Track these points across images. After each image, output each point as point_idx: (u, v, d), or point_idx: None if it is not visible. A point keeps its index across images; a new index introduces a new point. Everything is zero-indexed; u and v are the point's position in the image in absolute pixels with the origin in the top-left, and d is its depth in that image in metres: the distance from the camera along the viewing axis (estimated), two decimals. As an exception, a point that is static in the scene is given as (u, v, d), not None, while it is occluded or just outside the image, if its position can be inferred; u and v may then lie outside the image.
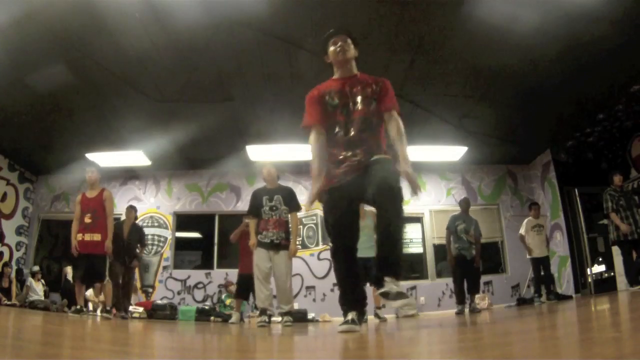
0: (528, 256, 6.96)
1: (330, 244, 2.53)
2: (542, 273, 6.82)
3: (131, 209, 6.61)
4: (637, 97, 6.38)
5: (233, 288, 7.80)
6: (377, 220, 2.28)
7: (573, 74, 5.74)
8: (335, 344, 1.78)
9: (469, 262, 6.07)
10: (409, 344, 1.63)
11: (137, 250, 6.55)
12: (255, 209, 4.52)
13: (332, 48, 2.62)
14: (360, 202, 2.47)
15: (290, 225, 4.54)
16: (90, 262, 5.13)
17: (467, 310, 6.06)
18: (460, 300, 6.08)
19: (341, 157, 2.44)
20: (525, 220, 7.01)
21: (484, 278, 8.60)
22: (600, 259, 7.71)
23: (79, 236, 5.14)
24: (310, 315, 7.30)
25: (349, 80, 2.60)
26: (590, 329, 1.62)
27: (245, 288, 5.69)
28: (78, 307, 5.20)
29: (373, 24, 4.84)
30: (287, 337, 2.30)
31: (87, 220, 5.15)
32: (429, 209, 8.91)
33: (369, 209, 5.98)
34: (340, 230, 2.41)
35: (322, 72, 6.09)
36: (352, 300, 2.44)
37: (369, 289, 5.32)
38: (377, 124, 2.54)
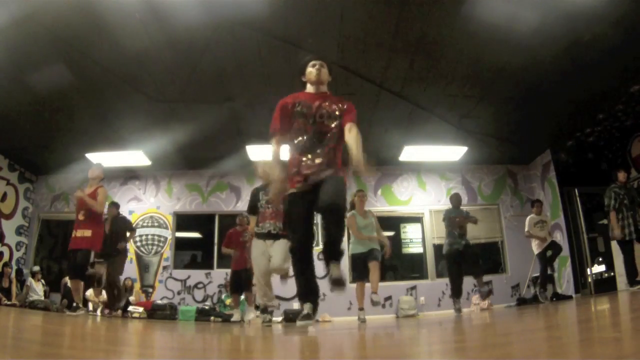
0: (537, 250, 6.81)
1: (289, 241, 2.82)
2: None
3: (112, 206, 6.31)
4: (637, 97, 6.38)
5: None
6: (323, 228, 2.62)
7: (573, 73, 5.74)
8: (335, 344, 1.78)
9: (461, 252, 5.92)
10: (409, 344, 1.63)
11: (127, 236, 6.32)
12: (253, 207, 4.78)
13: (310, 69, 2.91)
14: (313, 209, 2.69)
15: None
16: (74, 257, 5.09)
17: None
18: (457, 293, 5.93)
19: (303, 163, 2.70)
20: (528, 218, 6.96)
21: (484, 278, 8.62)
22: (600, 259, 7.71)
23: (73, 233, 5.16)
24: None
25: (320, 96, 2.86)
26: (590, 329, 1.62)
27: (238, 283, 5.99)
28: (74, 304, 5.16)
29: (373, 24, 4.84)
30: (287, 337, 2.30)
31: (80, 217, 5.16)
32: (429, 209, 8.91)
33: (371, 209, 6.01)
34: (297, 230, 2.70)
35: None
36: (307, 292, 2.70)
37: (351, 288, 5.32)
38: (338, 141, 2.78)
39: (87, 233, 5.11)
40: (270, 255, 4.48)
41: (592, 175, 8.01)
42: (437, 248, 8.55)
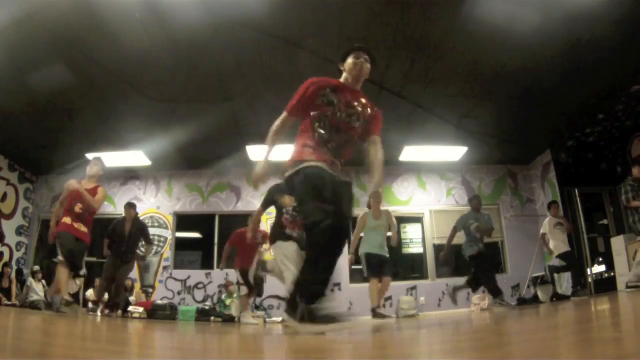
0: (555, 253, 6.60)
1: (305, 220, 2.26)
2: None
3: (129, 207, 6.15)
4: (637, 97, 6.38)
5: (233, 288, 7.81)
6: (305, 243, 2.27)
7: (573, 73, 5.74)
8: (334, 344, 1.78)
9: (483, 256, 5.90)
10: (409, 344, 1.63)
11: (142, 249, 6.46)
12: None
13: (352, 60, 2.66)
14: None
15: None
16: (73, 243, 4.68)
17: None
18: (496, 293, 5.74)
19: (320, 147, 2.41)
20: (547, 219, 6.77)
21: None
22: (600, 259, 7.72)
23: (66, 219, 4.74)
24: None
25: (354, 93, 2.64)
26: (590, 329, 1.62)
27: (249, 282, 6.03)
28: (69, 299, 4.71)
29: (373, 23, 4.84)
30: (287, 337, 2.30)
31: (77, 210, 4.78)
32: (429, 209, 8.92)
33: (385, 208, 5.99)
34: (321, 209, 2.15)
35: (322, 72, 6.10)
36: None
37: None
38: (354, 143, 2.59)
39: (84, 228, 4.82)
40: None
41: (592, 175, 8.01)
42: (437, 248, 8.55)
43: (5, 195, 8.23)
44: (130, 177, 9.05)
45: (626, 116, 6.99)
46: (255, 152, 7.97)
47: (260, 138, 7.53)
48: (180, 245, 9.00)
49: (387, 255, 5.42)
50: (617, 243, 7.06)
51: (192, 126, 7.02)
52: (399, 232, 5.75)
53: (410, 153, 8.20)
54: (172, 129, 7.10)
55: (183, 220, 9.06)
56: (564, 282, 7.69)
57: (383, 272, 5.30)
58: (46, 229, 9.18)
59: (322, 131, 2.47)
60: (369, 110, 2.62)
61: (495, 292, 5.75)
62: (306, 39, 5.08)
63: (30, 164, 8.70)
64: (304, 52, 5.30)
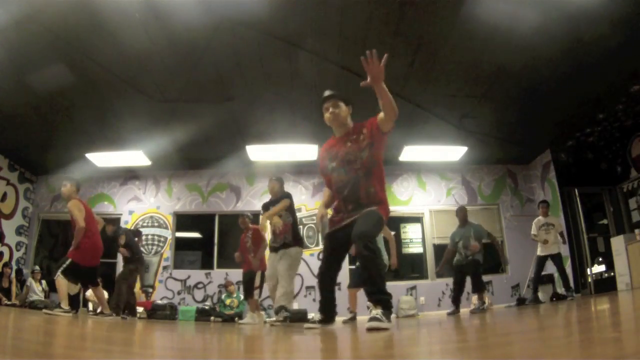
0: (540, 253, 6.63)
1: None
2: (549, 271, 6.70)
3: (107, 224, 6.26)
4: (637, 97, 6.38)
5: (233, 288, 7.82)
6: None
7: (573, 74, 5.74)
8: (334, 344, 1.78)
9: (464, 265, 6.09)
10: (409, 344, 1.63)
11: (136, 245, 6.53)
12: None
13: (325, 115, 2.90)
14: (348, 245, 2.86)
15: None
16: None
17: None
18: (455, 301, 6.15)
19: (338, 209, 2.90)
20: (535, 220, 6.82)
21: (484, 278, 8.60)
22: (600, 259, 7.71)
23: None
24: (310, 315, 7.29)
25: (344, 139, 2.87)
26: (590, 329, 1.62)
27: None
28: (66, 308, 4.84)
29: (373, 24, 4.84)
30: (287, 337, 2.30)
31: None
32: (429, 209, 8.92)
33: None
34: (325, 262, 2.94)
35: (322, 72, 6.11)
36: (321, 307, 2.99)
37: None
38: (369, 171, 2.77)
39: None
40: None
41: (592, 175, 8.01)
42: (437, 248, 8.56)
43: (5, 195, 8.23)
44: (130, 177, 9.05)
45: (626, 116, 6.99)
46: (255, 152, 7.97)
47: (260, 138, 7.59)
48: (180, 245, 9.00)
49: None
50: (617, 243, 7.06)
51: (192, 126, 7.02)
52: (397, 252, 5.85)
53: (410, 153, 8.19)
54: (172, 129, 7.09)
55: (183, 220, 9.06)
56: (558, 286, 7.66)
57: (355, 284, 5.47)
58: (46, 229, 9.20)
59: (336, 191, 2.90)
60: (365, 133, 2.81)
61: (455, 301, 6.16)
62: (306, 39, 5.08)
63: (30, 164, 8.70)
64: (304, 52, 5.30)
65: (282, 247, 4.56)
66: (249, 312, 6.23)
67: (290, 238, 4.58)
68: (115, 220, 7.45)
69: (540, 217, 6.82)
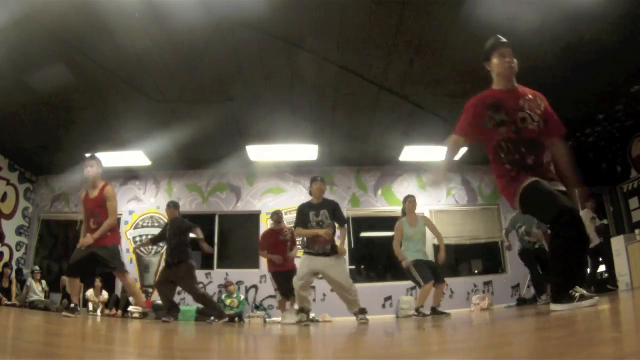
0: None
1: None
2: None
3: (170, 207, 5.85)
4: (637, 97, 6.38)
5: (233, 288, 7.82)
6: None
7: (573, 74, 5.73)
8: (334, 344, 1.78)
9: (536, 250, 5.96)
10: (409, 344, 1.63)
11: (194, 236, 5.81)
12: (302, 224, 4.65)
13: (498, 60, 2.61)
14: None
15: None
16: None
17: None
18: (540, 290, 5.93)
19: (522, 171, 2.48)
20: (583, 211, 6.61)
21: (484, 278, 8.63)
22: (600, 259, 7.71)
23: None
24: (311, 315, 7.29)
25: (514, 94, 2.59)
26: (590, 329, 1.62)
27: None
28: (72, 305, 4.67)
29: (373, 24, 4.84)
30: (287, 337, 2.30)
31: (93, 226, 4.69)
32: (429, 209, 8.90)
33: (420, 213, 5.97)
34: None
35: (322, 72, 6.10)
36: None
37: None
38: (543, 144, 2.53)
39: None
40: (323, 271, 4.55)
41: (592, 175, 8.01)
42: (437, 248, 8.54)
43: (5, 195, 8.23)
44: (130, 177, 9.05)
45: (626, 116, 6.99)
46: (255, 152, 7.97)
47: (260, 138, 7.59)
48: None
49: (433, 260, 5.52)
50: (617, 243, 7.06)
51: (192, 126, 7.01)
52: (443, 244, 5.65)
53: (410, 153, 8.19)
54: (172, 129, 7.09)
55: (183, 220, 9.04)
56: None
57: (437, 279, 5.21)
58: (46, 229, 9.20)
59: (511, 157, 2.49)
60: (538, 101, 2.58)
61: (538, 289, 6.01)
62: (306, 39, 5.08)
63: (30, 164, 8.69)
64: (304, 52, 5.30)
65: (332, 253, 4.52)
66: (281, 311, 6.18)
67: (331, 244, 4.58)
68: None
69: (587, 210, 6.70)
